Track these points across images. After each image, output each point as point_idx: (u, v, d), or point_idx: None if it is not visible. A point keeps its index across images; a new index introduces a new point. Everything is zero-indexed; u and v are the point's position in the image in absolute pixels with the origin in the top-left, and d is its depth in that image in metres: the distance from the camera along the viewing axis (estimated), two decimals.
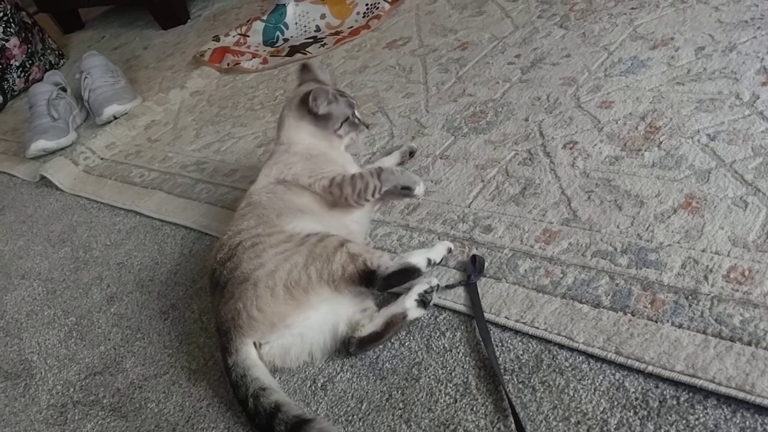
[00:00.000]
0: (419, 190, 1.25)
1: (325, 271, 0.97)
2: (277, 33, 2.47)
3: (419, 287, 1.00)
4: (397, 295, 1.01)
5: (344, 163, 1.26)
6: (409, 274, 1.00)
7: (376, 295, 1.05)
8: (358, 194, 1.16)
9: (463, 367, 0.91)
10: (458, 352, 0.94)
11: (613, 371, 0.83)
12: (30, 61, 2.85)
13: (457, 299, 1.00)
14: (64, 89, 2.35)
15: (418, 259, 1.02)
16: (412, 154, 1.41)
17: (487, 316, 0.96)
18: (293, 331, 0.97)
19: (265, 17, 2.51)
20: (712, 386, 0.75)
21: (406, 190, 1.24)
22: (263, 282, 0.96)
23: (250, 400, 0.90)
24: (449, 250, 1.09)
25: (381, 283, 0.98)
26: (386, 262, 0.99)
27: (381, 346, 0.99)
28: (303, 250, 0.99)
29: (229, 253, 1.03)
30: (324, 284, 0.97)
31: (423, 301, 0.99)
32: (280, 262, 0.98)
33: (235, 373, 0.94)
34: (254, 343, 0.97)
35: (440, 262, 1.07)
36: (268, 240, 1.02)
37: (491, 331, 0.94)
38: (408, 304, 0.99)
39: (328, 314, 0.99)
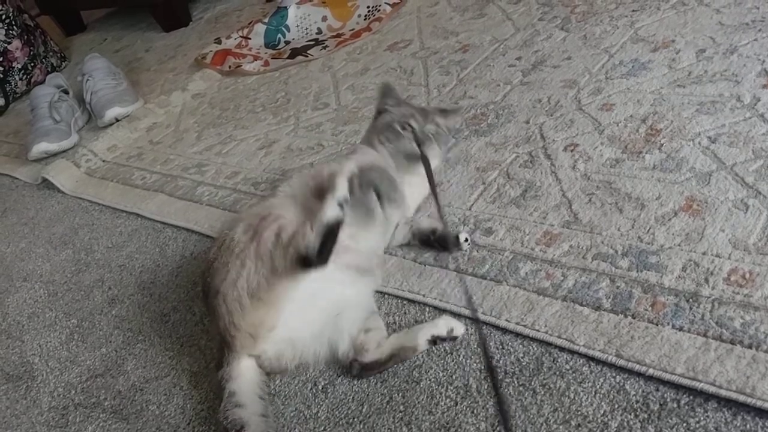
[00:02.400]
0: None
1: (274, 266, 0.92)
2: (279, 35, 2.47)
3: (439, 328, 0.95)
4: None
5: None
6: (333, 231, 0.91)
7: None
8: None
9: (463, 369, 0.91)
10: (459, 355, 0.94)
11: (614, 374, 0.83)
12: (32, 64, 2.86)
13: (458, 302, 1.00)
14: (66, 92, 2.35)
15: (330, 211, 0.91)
16: None
17: (487, 318, 0.96)
18: (280, 333, 0.95)
19: (266, 20, 2.51)
20: (712, 389, 0.75)
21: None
22: (229, 295, 0.94)
23: (221, 414, 0.91)
24: (350, 181, 0.96)
25: (318, 261, 0.89)
26: (309, 240, 0.89)
27: None
28: (251, 250, 0.95)
29: (214, 254, 1.01)
30: (280, 278, 0.92)
31: (435, 342, 0.96)
32: (239, 268, 0.95)
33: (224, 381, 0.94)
34: (249, 356, 0.97)
35: (351, 193, 0.95)
36: (234, 236, 0.99)
37: (491, 334, 0.94)
38: (420, 341, 0.95)
39: (320, 322, 0.96)
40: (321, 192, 0.97)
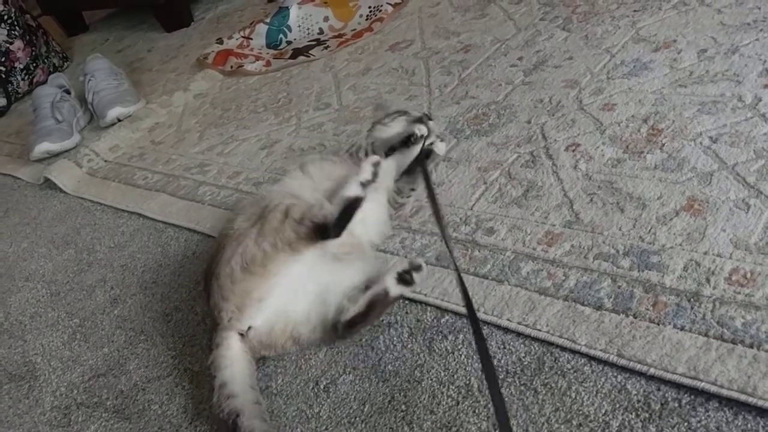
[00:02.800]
0: (420, 130, 1.18)
1: (278, 241, 0.98)
2: (281, 35, 2.48)
3: (399, 265, 1.00)
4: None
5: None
6: (353, 206, 1.02)
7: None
8: (350, 154, 1.20)
9: (465, 369, 0.91)
10: (460, 355, 0.94)
11: (615, 374, 0.83)
12: (34, 64, 2.86)
13: (459, 301, 1.00)
14: (68, 92, 2.36)
15: (353, 189, 1.03)
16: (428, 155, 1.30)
17: (489, 318, 0.96)
18: (268, 305, 0.99)
19: (268, 20, 2.51)
20: (713, 389, 0.75)
21: (408, 140, 1.18)
22: (223, 272, 0.99)
23: (215, 406, 0.93)
24: (377, 163, 1.07)
25: (334, 230, 0.99)
26: (329, 209, 1.01)
27: (383, 348, 0.99)
28: (252, 232, 1.01)
29: (215, 251, 1.06)
30: (279, 252, 0.98)
31: (403, 279, 0.99)
32: (235, 248, 1.00)
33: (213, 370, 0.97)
34: (240, 334, 0.99)
35: (374, 178, 1.05)
36: (234, 225, 1.06)
37: (492, 333, 0.94)
38: (388, 282, 0.98)
39: (312, 294, 1.00)
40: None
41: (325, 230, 0.99)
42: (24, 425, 1.12)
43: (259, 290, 0.99)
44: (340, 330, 0.98)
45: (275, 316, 1.00)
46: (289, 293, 1.00)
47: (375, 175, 1.06)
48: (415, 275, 0.99)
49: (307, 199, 1.07)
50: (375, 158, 1.07)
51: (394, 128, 1.24)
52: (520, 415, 0.82)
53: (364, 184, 1.04)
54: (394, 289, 0.99)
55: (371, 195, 1.13)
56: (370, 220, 1.14)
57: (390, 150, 1.18)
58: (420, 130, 1.18)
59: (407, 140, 1.18)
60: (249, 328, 1.00)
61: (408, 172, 1.22)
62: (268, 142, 1.76)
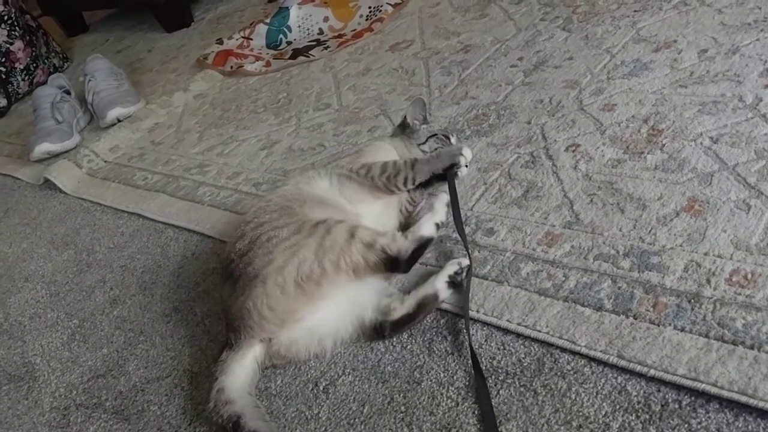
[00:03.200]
0: (465, 158, 1.19)
1: (342, 261, 0.98)
2: (281, 36, 2.48)
3: (450, 268, 1.02)
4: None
5: None
6: (425, 246, 1.05)
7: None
8: (387, 178, 1.14)
9: (465, 370, 0.91)
10: (460, 356, 0.93)
11: (615, 375, 0.83)
12: (34, 64, 2.86)
13: (459, 302, 1.00)
14: (68, 92, 2.36)
15: (428, 228, 1.06)
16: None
17: (489, 319, 0.96)
18: (303, 324, 0.98)
19: (268, 20, 2.51)
20: (714, 390, 0.75)
21: (452, 169, 1.18)
22: (272, 279, 0.96)
23: (213, 413, 0.93)
24: (448, 203, 1.13)
25: (405, 266, 1.01)
26: (403, 244, 1.01)
27: (383, 349, 0.99)
28: (311, 243, 0.98)
29: (248, 246, 1.02)
30: (342, 274, 0.98)
31: (453, 282, 1.01)
32: (289, 257, 0.97)
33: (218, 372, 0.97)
34: (261, 340, 0.98)
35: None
36: (280, 233, 1.01)
37: (492, 334, 0.94)
38: (439, 285, 1.00)
39: (343, 304, 1.00)
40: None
41: (397, 265, 1.01)
42: (23, 426, 1.12)
43: (303, 311, 0.98)
44: (387, 329, 0.99)
45: (303, 331, 0.99)
46: (330, 320, 1.00)
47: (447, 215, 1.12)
48: (464, 276, 1.02)
49: (345, 209, 1.11)
50: (446, 198, 1.14)
51: (426, 149, 1.27)
52: (520, 417, 0.82)
53: (439, 226, 1.10)
54: (444, 292, 1.01)
55: (388, 201, 1.17)
56: (385, 225, 1.16)
57: (433, 176, 1.18)
58: (463, 160, 1.19)
59: (450, 168, 1.18)
60: (270, 339, 0.99)
61: (422, 184, 1.20)
62: (267, 142, 1.76)
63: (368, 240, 1.00)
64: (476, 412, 0.85)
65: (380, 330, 0.99)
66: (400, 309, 0.99)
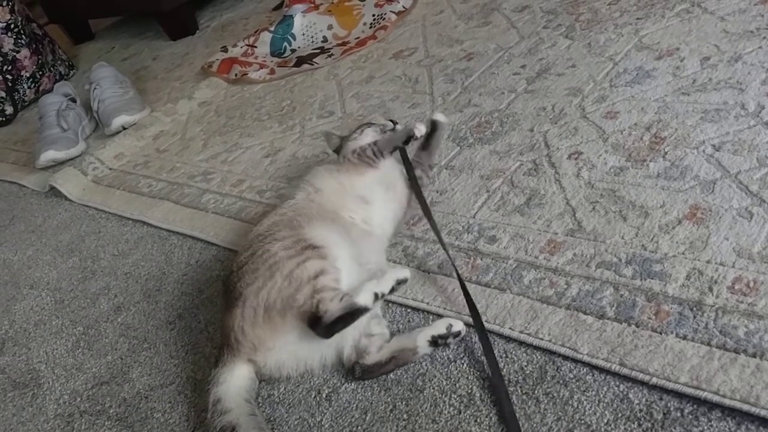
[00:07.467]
0: (419, 131, 1.26)
1: (289, 300, 0.94)
2: (285, 44, 2.49)
3: (438, 327, 0.97)
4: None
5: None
6: (354, 315, 0.93)
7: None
8: (358, 155, 1.21)
9: (467, 378, 0.91)
10: (462, 363, 0.94)
11: (618, 383, 0.83)
12: (40, 72, 2.88)
13: (461, 309, 1.00)
14: (73, 100, 2.37)
15: (364, 297, 0.94)
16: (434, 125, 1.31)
17: (491, 327, 0.96)
18: (279, 352, 0.97)
19: (272, 28, 2.52)
20: (716, 398, 0.75)
21: (409, 141, 1.25)
22: (249, 301, 0.96)
23: (209, 424, 0.93)
24: (403, 280, 0.98)
25: (323, 331, 0.93)
26: (333, 308, 0.92)
27: None
28: (286, 268, 0.97)
29: (245, 259, 1.03)
30: (294, 312, 0.95)
31: (436, 342, 0.97)
32: (267, 279, 0.97)
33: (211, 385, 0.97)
34: (248, 359, 0.98)
35: (391, 292, 0.97)
36: (272, 247, 1.01)
37: (495, 342, 0.94)
38: (420, 342, 0.96)
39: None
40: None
41: (315, 324, 0.93)
42: None
43: (273, 341, 0.96)
44: (357, 372, 0.97)
45: (287, 356, 0.98)
46: (300, 340, 0.97)
47: (393, 291, 0.98)
48: (451, 341, 0.97)
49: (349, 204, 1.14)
50: (401, 274, 0.98)
51: (366, 138, 1.29)
52: (522, 425, 0.82)
53: (378, 297, 0.95)
54: (425, 349, 0.97)
55: (389, 194, 1.19)
56: (390, 217, 1.19)
57: (394, 149, 1.23)
58: (419, 130, 1.26)
59: (409, 140, 1.25)
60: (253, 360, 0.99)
61: (424, 148, 1.30)
62: (271, 150, 1.76)
63: (318, 287, 0.94)
64: (478, 419, 0.85)
65: (353, 371, 0.98)
66: (374, 356, 0.97)
